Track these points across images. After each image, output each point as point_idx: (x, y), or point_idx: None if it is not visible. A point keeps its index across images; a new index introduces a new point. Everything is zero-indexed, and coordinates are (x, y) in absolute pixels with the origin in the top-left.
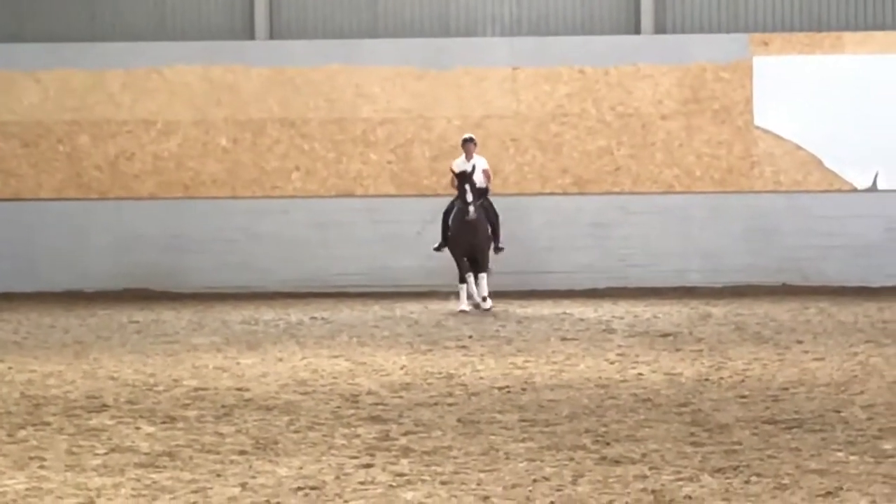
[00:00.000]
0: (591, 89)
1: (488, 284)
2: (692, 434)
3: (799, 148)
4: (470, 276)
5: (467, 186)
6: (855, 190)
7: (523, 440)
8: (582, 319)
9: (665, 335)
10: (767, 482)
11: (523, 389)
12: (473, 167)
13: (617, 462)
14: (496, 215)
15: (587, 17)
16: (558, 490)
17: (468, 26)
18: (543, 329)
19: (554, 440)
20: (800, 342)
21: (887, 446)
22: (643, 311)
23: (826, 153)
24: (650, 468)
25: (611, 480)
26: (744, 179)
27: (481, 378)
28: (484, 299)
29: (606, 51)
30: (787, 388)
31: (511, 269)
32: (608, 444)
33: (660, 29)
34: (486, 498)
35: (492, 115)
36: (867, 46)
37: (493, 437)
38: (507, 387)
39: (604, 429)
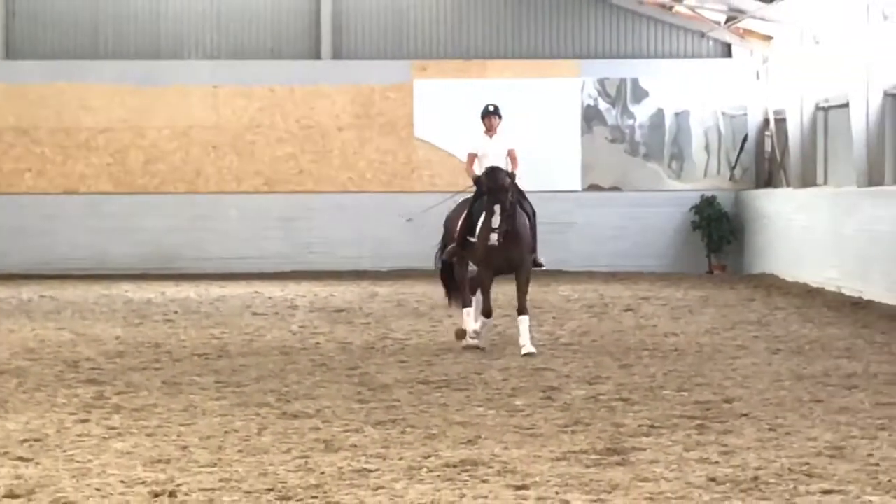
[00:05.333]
0: (279, 105)
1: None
2: (359, 393)
3: (451, 156)
4: (474, 303)
5: (497, 207)
6: None
7: (217, 399)
8: (270, 298)
9: (340, 310)
10: (420, 432)
11: (219, 356)
12: (501, 172)
13: (296, 416)
14: (533, 213)
15: (276, 44)
16: (245, 440)
17: (176, 50)
18: (237, 306)
19: (243, 398)
20: (450, 316)
21: (518, 402)
22: (322, 290)
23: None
24: (323, 421)
25: (290, 432)
26: (406, 181)
27: (184, 346)
28: (524, 347)
29: (292, 73)
30: (438, 354)
31: (211, 256)
32: (289, 401)
33: (337, 55)
34: (184, 447)
35: (196, 125)
36: (507, 72)
37: (192, 397)
38: (206, 354)
39: (286, 389)
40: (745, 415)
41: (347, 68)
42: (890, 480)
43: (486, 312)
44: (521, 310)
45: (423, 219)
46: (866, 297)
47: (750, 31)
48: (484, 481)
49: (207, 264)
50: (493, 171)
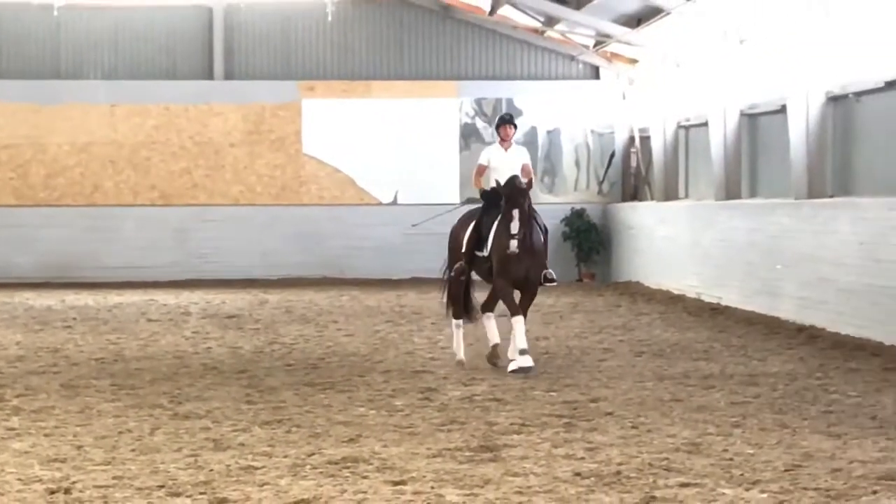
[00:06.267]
0: (174, 122)
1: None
2: (247, 395)
3: (338, 171)
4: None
5: (515, 212)
6: (380, 204)
7: (112, 401)
8: (165, 305)
9: (231, 317)
10: (304, 431)
11: (115, 360)
12: (517, 178)
13: (187, 417)
14: (545, 229)
15: (171, 65)
16: (139, 440)
17: (75, 71)
18: (133, 312)
19: (137, 400)
20: (335, 322)
21: (398, 403)
22: (214, 298)
23: (358, 175)
24: (213, 422)
25: (181, 432)
26: (294, 195)
27: (81, 351)
28: (522, 353)
29: (187, 92)
30: (323, 358)
31: (108, 265)
32: (181, 403)
33: (229, 76)
34: (80, 447)
35: (95, 142)
36: (390, 92)
37: (88, 399)
38: (102, 358)
39: (178, 391)
40: (610, 413)
41: (239, 88)
42: (742, 474)
43: (515, 311)
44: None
45: (310, 230)
46: (724, 303)
47: (616, 55)
48: (364, 477)
49: (105, 273)
50: (510, 179)
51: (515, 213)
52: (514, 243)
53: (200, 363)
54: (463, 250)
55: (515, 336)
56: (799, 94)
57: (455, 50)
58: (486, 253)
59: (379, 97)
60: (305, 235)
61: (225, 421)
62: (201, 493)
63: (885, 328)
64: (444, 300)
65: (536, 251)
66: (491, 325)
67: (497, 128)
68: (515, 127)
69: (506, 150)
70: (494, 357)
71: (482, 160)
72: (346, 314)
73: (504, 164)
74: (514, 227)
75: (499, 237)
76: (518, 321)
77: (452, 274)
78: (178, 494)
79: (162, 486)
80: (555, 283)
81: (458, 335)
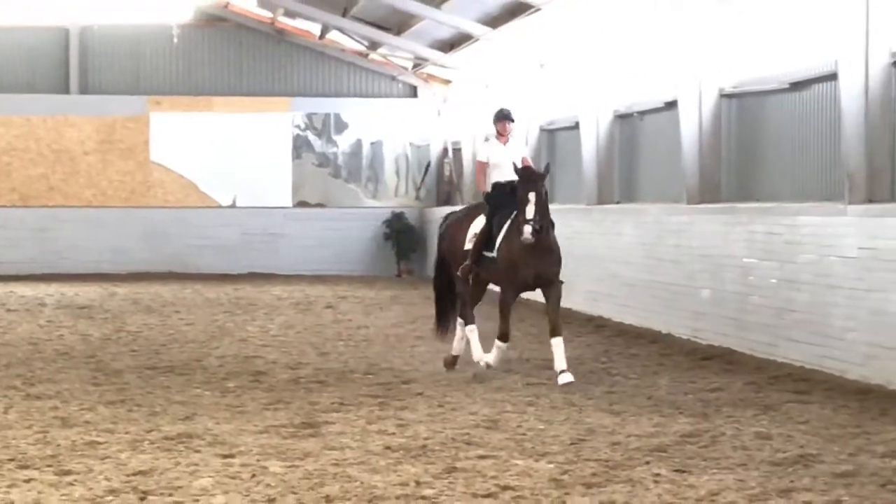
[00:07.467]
0: (34, 132)
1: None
2: (95, 377)
3: (182, 177)
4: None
5: (532, 195)
6: (220, 206)
7: None
8: (23, 296)
9: (83, 307)
10: (145, 410)
11: None
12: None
13: (38, 398)
14: (552, 225)
15: (32, 80)
16: None
17: None
18: None
19: None
20: (178, 312)
21: (230, 384)
22: (68, 290)
23: (201, 180)
24: (62, 402)
25: (32, 411)
26: (143, 198)
27: None
28: (561, 373)
29: (45, 105)
30: (165, 344)
31: None
32: (33, 385)
33: (83, 91)
34: None
35: None
36: (230, 107)
37: None
38: None
39: (31, 374)
40: (420, 393)
41: (93, 102)
42: (533, 447)
43: (504, 335)
44: (555, 330)
45: (157, 230)
46: (525, 295)
47: (432, 76)
48: (197, 451)
49: None
50: (524, 167)
51: (532, 196)
52: (528, 229)
53: (53, 349)
54: (465, 248)
55: (488, 356)
56: (590, 113)
57: (288, 69)
58: (494, 253)
59: (220, 111)
60: (152, 234)
61: (73, 401)
62: (48, 466)
63: (661, 318)
64: (436, 316)
65: (551, 250)
66: (460, 335)
67: (496, 122)
68: (513, 121)
69: (504, 144)
70: (449, 365)
71: (482, 157)
72: (188, 305)
73: (505, 158)
74: (530, 210)
75: (509, 236)
76: (501, 346)
77: (459, 275)
78: (26, 467)
79: (12, 460)
80: (562, 284)
81: (473, 339)
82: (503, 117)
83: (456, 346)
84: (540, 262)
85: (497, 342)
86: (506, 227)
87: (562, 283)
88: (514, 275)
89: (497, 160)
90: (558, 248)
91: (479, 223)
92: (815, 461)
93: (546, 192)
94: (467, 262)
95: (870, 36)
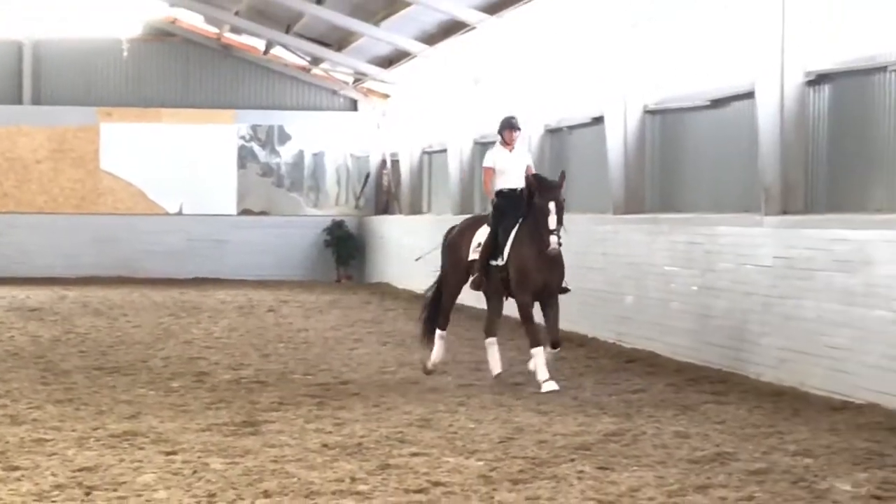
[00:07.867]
0: None
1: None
2: (43, 377)
3: (131, 185)
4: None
5: (552, 205)
6: (168, 213)
7: None
8: None
9: (33, 310)
10: (91, 409)
11: None
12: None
13: None
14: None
15: None
16: None
17: None
18: None
19: None
20: (125, 315)
21: (175, 384)
22: (20, 293)
23: (150, 188)
24: (11, 400)
25: None
26: (93, 205)
27: None
28: (546, 381)
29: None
30: (112, 346)
31: None
32: None
33: (36, 101)
34: None
35: None
36: (177, 118)
37: None
38: None
39: None
40: (357, 394)
41: (45, 112)
42: (464, 445)
43: (535, 342)
44: (557, 342)
45: (106, 235)
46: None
47: (372, 91)
48: (141, 448)
49: None
50: (545, 180)
51: (552, 206)
52: (553, 239)
53: (3, 349)
54: (470, 259)
55: (536, 369)
56: (522, 127)
57: (234, 83)
58: (501, 262)
59: (168, 122)
60: (102, 240)
61: (22, 399)
62: None
63: (589, 323)
64: (422, 318)
65: (558, 257)
66: (440, 346)
67: (502, 131)
68: (519, 130)
69: (510, 152)
70: (426, 370)
71: (488, 163)
72: (136, 308)
73: (511, 166)
74: (552, 221)
75: (519, 243)
76: (538, 353)
77: (471, 288)
78: None
79: None
80: (569, 291)
81: (492, 351)
82: (510, 126)
83: (435, 354)
84: (550, 272)
85: (533, 351)
86: (513, 234)
87: (568, 290)
88: (526, 281)
89: (503, 167)
90: (562, 261)
91: (482, 233)
92: (730, 459)
93: (564, 200)
94: (477, 275)
95: (785, 56)
